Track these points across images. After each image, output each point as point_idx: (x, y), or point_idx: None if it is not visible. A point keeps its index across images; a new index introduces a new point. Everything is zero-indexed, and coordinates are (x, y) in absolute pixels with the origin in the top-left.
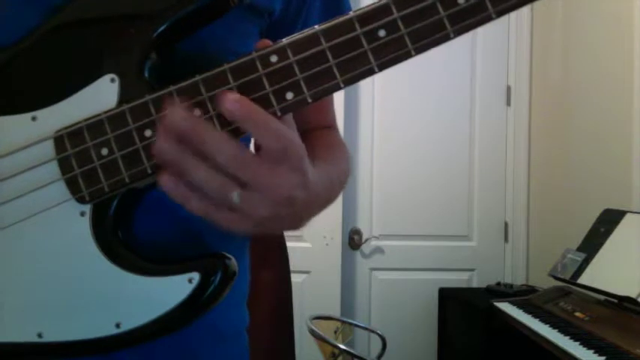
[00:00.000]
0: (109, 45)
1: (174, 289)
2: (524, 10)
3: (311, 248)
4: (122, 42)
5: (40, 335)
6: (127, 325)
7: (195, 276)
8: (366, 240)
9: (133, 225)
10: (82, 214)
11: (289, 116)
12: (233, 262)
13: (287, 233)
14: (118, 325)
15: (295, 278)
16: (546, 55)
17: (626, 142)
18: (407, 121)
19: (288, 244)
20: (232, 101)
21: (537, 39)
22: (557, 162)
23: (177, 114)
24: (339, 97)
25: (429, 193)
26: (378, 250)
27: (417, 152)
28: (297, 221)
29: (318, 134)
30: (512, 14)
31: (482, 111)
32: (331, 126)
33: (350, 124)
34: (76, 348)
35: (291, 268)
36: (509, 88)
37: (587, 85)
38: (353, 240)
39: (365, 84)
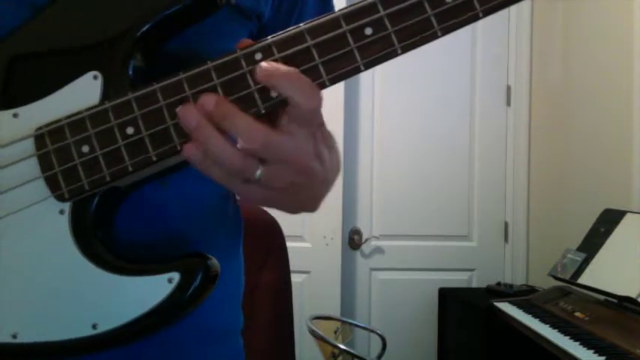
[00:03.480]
0: (93, 43)
1: (153, 289)
2: (525, 11)
3: (311, 248)
4: (106, 40)
5: (14, 336)
6: (104, 326)
7: (175, 276)
8: (366, 240)
9: (114, 224)
10: (62, 212)
11: None
12: (215, 263)
13: (287, 233)
14: (94, 326)
15: (295, 278)
16: (546, 55)
17: (626, 142)
18: (407, 121)
19: (288, 244)
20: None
21: (537, 39)
22: (557, 162)
23: (211, 96)
24: (339, 97)
25: (429, 193)
26: (378, 250)
27: (417, 152)
28: (310, 198)
29: None
30: (513, 14)
31: (482, 111)
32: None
33: (350, 124)
34: (51, 349)
35: (291, 268)
36: (509, 88)
37: (587, 86)
38: (353, 240)
39: (365, 84)
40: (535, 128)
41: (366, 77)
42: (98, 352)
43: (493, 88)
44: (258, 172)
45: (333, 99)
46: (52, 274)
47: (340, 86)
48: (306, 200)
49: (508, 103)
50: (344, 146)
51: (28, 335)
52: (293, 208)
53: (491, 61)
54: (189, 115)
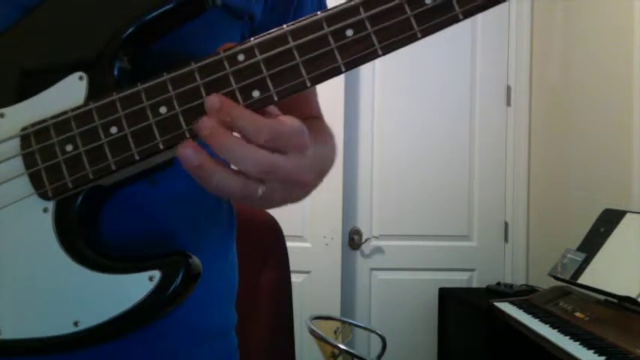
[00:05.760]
0: (80, 44)
1: (134, 286)
2: (524, 11)
3: (311, 248)
4: (92, 41)
5: None
6: (86, 323)
7: (156, 274)
8: (366, 240)
9: (99, 223)
10: (45, 210)
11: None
12: (196, 262)
13: (287, 233)
14: (76, 324)
15: (295, 278)
16: (546, 55)
17: (626, 142)
18: (407, 121)
19: (288, 244)
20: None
21: (537, 39)
22: (557, 162)
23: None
24: (339, 97)
25: (429, 193)
26: (378, 250)
27: (417, 152)
28: (296, 196)
29: (307, 122)
30: (513, 14)
31: (482, 111)
32: (317, 116)
33: (350, 124)
34: (34, 346)
35: (291, 268)
36: (509, 88)
37: (586, 85)
38: (353, 240)
39: (365, 84)
40: (535, 128)
41: (366, 77)
42: (81, 350)
43: (493, 88)
44: (260, 191)
45: (333, 98)
46: (35, 271)
47: (340, 86)
48: (295, 198)
49: (508, 103)
50: (344, 146)
51: (11, 332)
52: (280, 205)
53: (492, 61)
54: (202, 121)
